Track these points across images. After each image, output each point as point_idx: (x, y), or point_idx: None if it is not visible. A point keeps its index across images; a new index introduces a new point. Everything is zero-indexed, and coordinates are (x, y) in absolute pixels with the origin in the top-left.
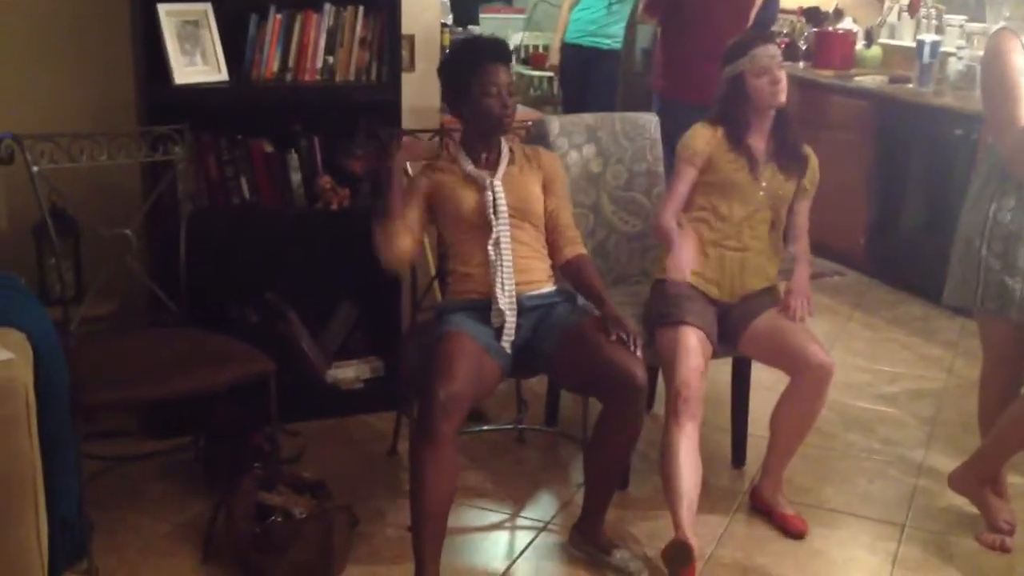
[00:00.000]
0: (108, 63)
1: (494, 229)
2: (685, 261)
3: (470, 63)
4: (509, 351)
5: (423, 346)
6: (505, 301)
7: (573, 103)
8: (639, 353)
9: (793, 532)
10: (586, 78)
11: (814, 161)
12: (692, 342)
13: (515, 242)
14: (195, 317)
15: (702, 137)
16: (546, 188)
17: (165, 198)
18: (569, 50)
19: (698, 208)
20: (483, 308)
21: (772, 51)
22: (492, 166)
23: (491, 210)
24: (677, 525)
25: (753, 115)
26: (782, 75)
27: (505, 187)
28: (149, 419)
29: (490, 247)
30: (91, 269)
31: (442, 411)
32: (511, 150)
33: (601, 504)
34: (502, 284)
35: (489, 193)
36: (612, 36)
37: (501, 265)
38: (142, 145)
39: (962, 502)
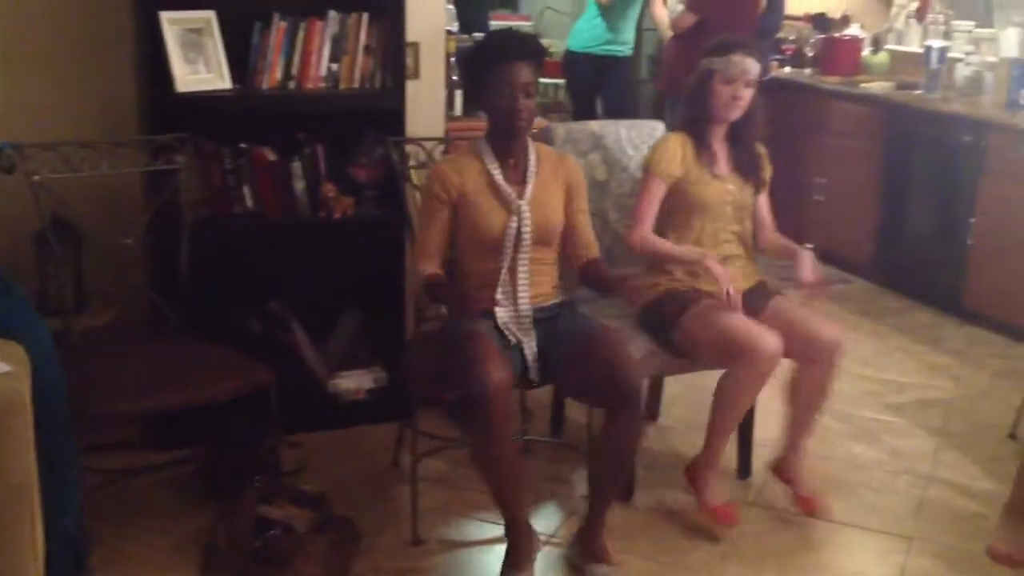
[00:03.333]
0: (111, 71)
1: (513, 256)
2: (731, 279)
3: (488, 58)
4: (533, 367)
5: (448, 340)
6: (517, 320)
7: (584, 112)
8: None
9: (805, 511)
10: (599, 86)
11: (764, 153)
12: (722, 309)
13: (531, 263)
14: (197, 327)
15: (675, 155)
16: (568, 195)
17: (167, 207)
18: (581, 59)
19: (671, 229)
20: (495, 324)
21: (748, 65)
22: (520, 177)
23: (513, 237)
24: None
25: (711, 118)
26: (746, 93)
27: (533, 209)
28: (150, 431)
29: (504, 273)
30: (92, 278)
31: (492, 382)
32: (538, 156)
33: (599, 514)
34: (515, 304)
35: (515, 219)
36: (626, 43)
37: (515, 289)
38: (144, 154)
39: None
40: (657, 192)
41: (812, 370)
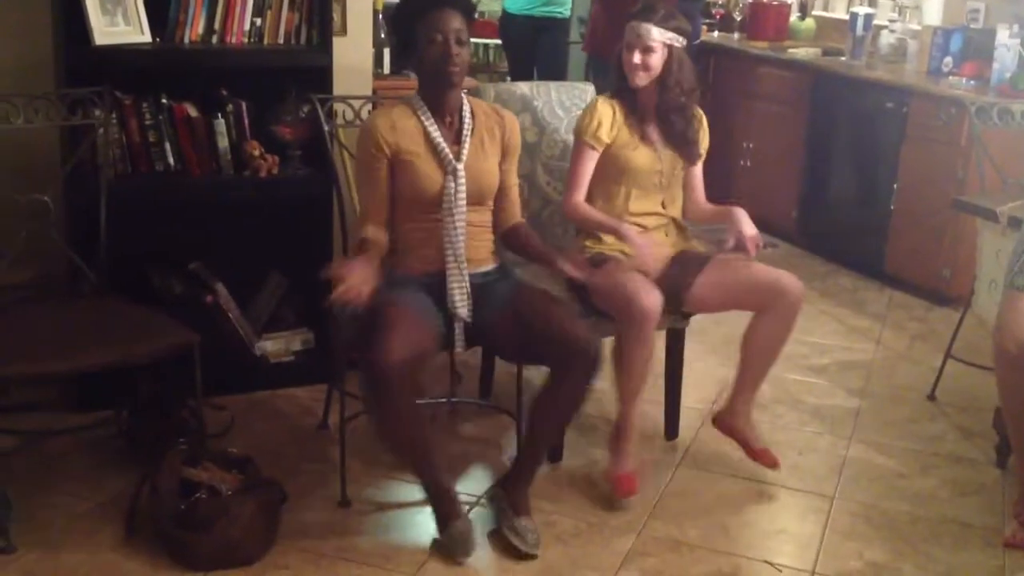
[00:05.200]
0: (26, 22)
1: (451, 217)
2: (651, 250)
3: (417, 7)
4: (460, 335)
5: (358, 320)
6: (459, 281)
7: (521, 75)
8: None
9: (769, 464)
10: (536, 48)
11: (704, 123)
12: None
13: (468, 226)
14: (116, 287)
15: (603, 120)
16: (502, 154)
17: (86, 163)
18: (519, 20)
19: (599, 194)
20: (428, 283)
21: (644, 30)
22: (456, 136)
23: (451, 199)
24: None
25: (631, 85)
26: (645, 59)
27: (468, 172)
28: (70, 392)
29: (445, 236)
30: (7, 237)
31: (392, 373)
32: (473, 113)
33: (532, 468)
34: (458, 265)
35: (452, 180)
36: (564, 3)
37: (454, 252)
38: (61, 108)
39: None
40: (589, 159)
41: (772, 320)
